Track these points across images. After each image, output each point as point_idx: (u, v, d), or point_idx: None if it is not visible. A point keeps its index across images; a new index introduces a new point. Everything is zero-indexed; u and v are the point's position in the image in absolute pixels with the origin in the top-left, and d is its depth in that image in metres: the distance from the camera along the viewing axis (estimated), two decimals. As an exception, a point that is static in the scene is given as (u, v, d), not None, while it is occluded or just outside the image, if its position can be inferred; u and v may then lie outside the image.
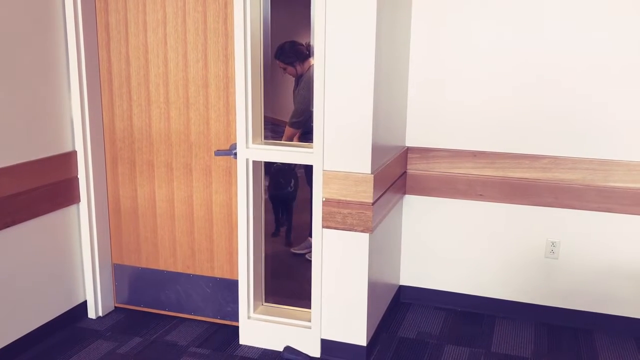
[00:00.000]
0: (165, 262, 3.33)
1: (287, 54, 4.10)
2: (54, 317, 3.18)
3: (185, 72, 3.06)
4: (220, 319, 3.30)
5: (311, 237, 2.97)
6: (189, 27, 3.00)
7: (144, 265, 3.37)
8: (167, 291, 3.37)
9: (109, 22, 3.12)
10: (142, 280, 3.40)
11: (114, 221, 3.38)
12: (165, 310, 3.40)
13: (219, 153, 3.02)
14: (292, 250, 4.41)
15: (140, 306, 3.45)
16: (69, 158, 3.15)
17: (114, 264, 3.43)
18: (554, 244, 3.28)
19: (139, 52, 3.12)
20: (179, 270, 3.31)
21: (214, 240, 3.21)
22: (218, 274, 3.24)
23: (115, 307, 3.50)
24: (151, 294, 3.41)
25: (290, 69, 4.13)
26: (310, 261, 4.07)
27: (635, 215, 3.12)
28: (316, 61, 2.68)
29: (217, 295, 3.27)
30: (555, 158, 3.18)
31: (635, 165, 3.06)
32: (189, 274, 3.30)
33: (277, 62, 4.13)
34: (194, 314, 3.35)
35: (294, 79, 4.27)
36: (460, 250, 3.47)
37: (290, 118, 4.03)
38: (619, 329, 3.27)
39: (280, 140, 3.94)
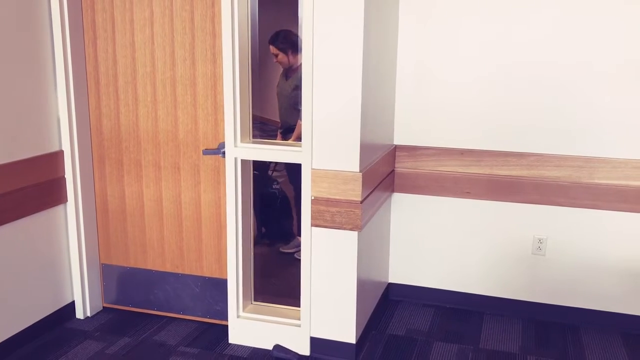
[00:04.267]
0: (154, 261, 3.32)
1: (282, 40, 4.08)
2: (42, 317, 3.16)
3: (173, 71, 3.05)
4: (209, 318, 3.30)
5: (300, 236, 2.97)
6: (177, 26, 3.00)
7: (132, 265, 3.36)
8: (156, 291, 3.35)
9: (96, 20, 3.10)
10: (131, 280, 3.39)
11: (101, 221, 3.36)
12: (154, 310, 3.39)
13: (207, 152, 3.01)
14: (281, 249, 4.42)
15: (129, 306, 3.44)
16: (55, 158, 3.13)
17: (102, 264, 3.42)
18: (541, 241, 3.31)
19: (126, 50, 3.10)
20: (168, 269, 3.30)
21: (203, 239, 3.20)
22: (207, 273, 3.24)
23: (103, 307, 3.48)
24: (140, 294, 3.40)
25: (282, 56, 4.09)
26: (299, 260, 4.09)
27: (620, 212, 3.15)
28: (304, 59, 2.68)
29: (205, 294, 3.27)
30: (542, 155, 3.21)
31: (620, 162, 3.10)
32: (177, 274, 3.29)
33: (270, 47, 4.10)
34: (183, 314, 3.35)
35: (279, 74, 4.26)
36: (448, 247, 3.49)
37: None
38: (605, 325, 3.31)
39: (271, 139, 3.93)
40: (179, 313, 3.36)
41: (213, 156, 3.08)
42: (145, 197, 3.25)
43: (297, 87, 4.03)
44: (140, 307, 3.42)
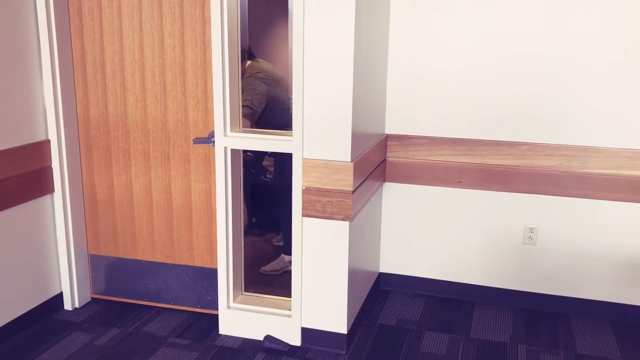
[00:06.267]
0: (144, 252, 3.29)
1: None
2: (29, 309, 3.13)
3: (162, 58, 3.01)
4: (200, 308, 3.28)
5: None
6: (165, 13, 2.95)
7: (121, 255, 3.33)
8: (146, 281, 3.33)
9: (82, 8, 3.05)
10: (120, 270, 3.36)
11: (89, 211, 3.32)
12: (144, 300, 3.37)
13: (197, 141, 2.98)
14: (273, 242, 4.38)
15: (118, 297, 3.41)
16: (42, 147, 3.08)
17: (90, 254, 3.38)
18: (532, 230, 3.31)
19: (113, 38, 3.05)
20: (158, 259, 3.27)
21: (194, 229, 3.18)
22: (198, 262, 3.21)
23: (92, 298, 3.45)
24: (129, 284, 3.37)
25: None
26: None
27: (612, 201, 3.15)
28: (295, 49, 2.65)
29: (197, 284, 3.24)
30: (534, 145, 3.20)
31: (612, 152, 3.10)
32: (167, 264, 3.26)
33: None
34: (174, 304, 3.33)
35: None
36: (439, 237, 3.48)
37: (248, 114, 3.63)
38: (596, 313, 3.33)
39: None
40: (169, 303, 3.33)
41: (203, 145, 3.04)
42: (134, 186, 3.21)
43: (243, 91, 3.84)
44: (130, 297, 3.39)
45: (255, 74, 3.69)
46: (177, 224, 3.20)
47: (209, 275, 3.20)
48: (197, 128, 3.04)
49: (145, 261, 3.30)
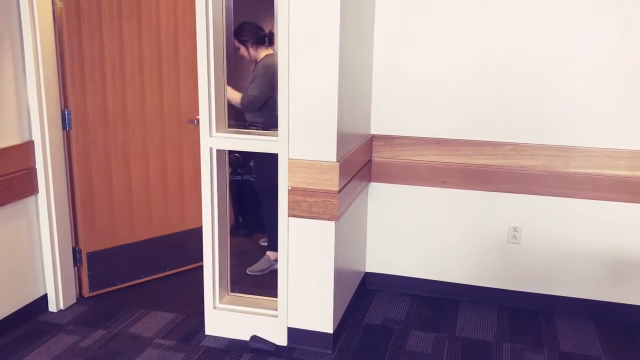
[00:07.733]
0: (152, 231, 3.50)
1: (243, 32, 3.96)
2: (13, 311, 3.10)
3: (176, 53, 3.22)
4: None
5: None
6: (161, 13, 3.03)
7: (120, 243, 3.45)
8: (160, 253, 3.54)
9: (80, 8, 3.08)
10: (124, 256, 3.48)
11: (85, 210, 3.33)
12: (149, 276, 3.57)
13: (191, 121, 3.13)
14: (260, 242, 4.38)
15: (118, 285, 3.52)
16: (25, 148, 3.05)
17: (86, 253, 3.39)
18: (516, 229, 3.34)
19: (113, 39, 3.09)
20: (168, 232, 3.52)
21: (193, 196, 3.48)
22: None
23: (77, 298, 3.43)
24: (139, 265, 3.53)
25: (242, 49, 3.91)
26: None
27: (594, 200, 3.19)
28: (280, 48, 2.65)
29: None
30: (517, 145, 3.23)
31: (594, 151, 3.13)
32: (178, 232, 3.52)
33: (233, 40, 3.98)
34: (187, 265, 3.59)
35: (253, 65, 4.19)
36: (424, 236, 3.50)
37: (247, 105, 3.79)
38: (579, 311, 3.36)
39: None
40: (185, 265, 3.63)
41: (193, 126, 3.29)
42: (133, 173, 3.36)
43: (253, 79, 3.89)
44: (137, 279, 3.55)
45: (268, 67, 3.69)
46: (187, 195, 3.49)
47: None
48: (188, 111, 3.38)
49: (145, 240, 3.50)
